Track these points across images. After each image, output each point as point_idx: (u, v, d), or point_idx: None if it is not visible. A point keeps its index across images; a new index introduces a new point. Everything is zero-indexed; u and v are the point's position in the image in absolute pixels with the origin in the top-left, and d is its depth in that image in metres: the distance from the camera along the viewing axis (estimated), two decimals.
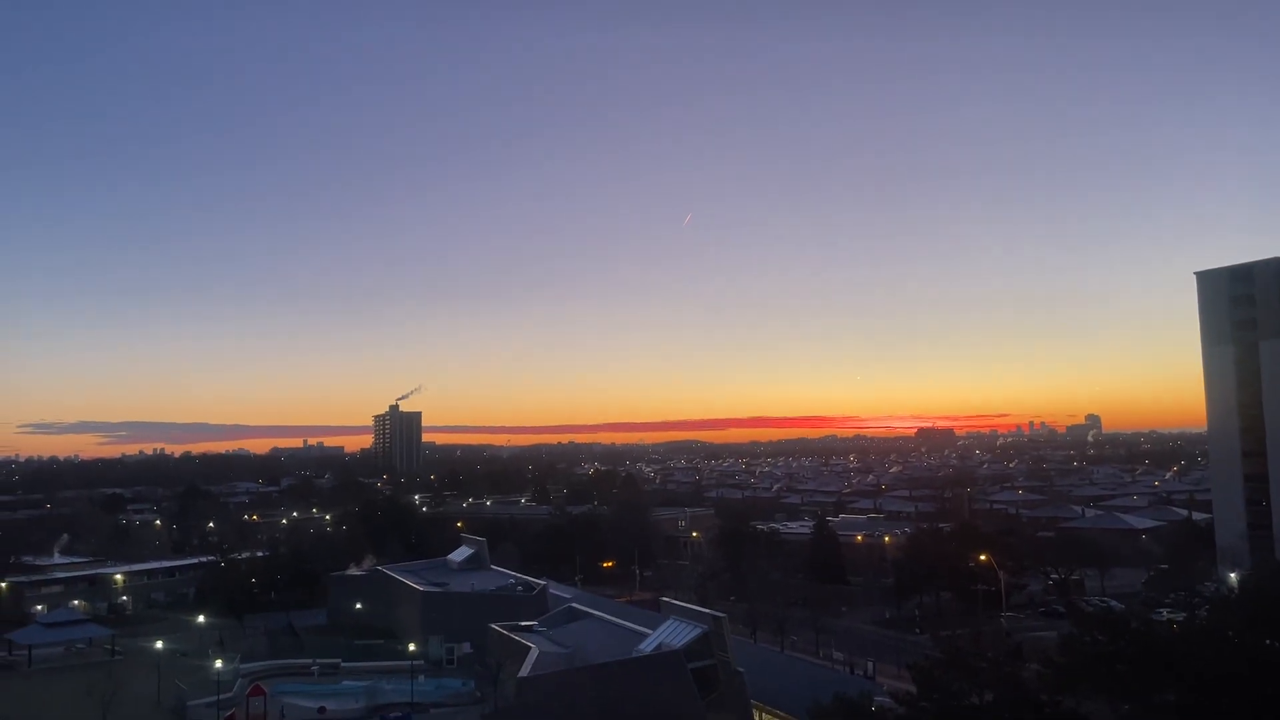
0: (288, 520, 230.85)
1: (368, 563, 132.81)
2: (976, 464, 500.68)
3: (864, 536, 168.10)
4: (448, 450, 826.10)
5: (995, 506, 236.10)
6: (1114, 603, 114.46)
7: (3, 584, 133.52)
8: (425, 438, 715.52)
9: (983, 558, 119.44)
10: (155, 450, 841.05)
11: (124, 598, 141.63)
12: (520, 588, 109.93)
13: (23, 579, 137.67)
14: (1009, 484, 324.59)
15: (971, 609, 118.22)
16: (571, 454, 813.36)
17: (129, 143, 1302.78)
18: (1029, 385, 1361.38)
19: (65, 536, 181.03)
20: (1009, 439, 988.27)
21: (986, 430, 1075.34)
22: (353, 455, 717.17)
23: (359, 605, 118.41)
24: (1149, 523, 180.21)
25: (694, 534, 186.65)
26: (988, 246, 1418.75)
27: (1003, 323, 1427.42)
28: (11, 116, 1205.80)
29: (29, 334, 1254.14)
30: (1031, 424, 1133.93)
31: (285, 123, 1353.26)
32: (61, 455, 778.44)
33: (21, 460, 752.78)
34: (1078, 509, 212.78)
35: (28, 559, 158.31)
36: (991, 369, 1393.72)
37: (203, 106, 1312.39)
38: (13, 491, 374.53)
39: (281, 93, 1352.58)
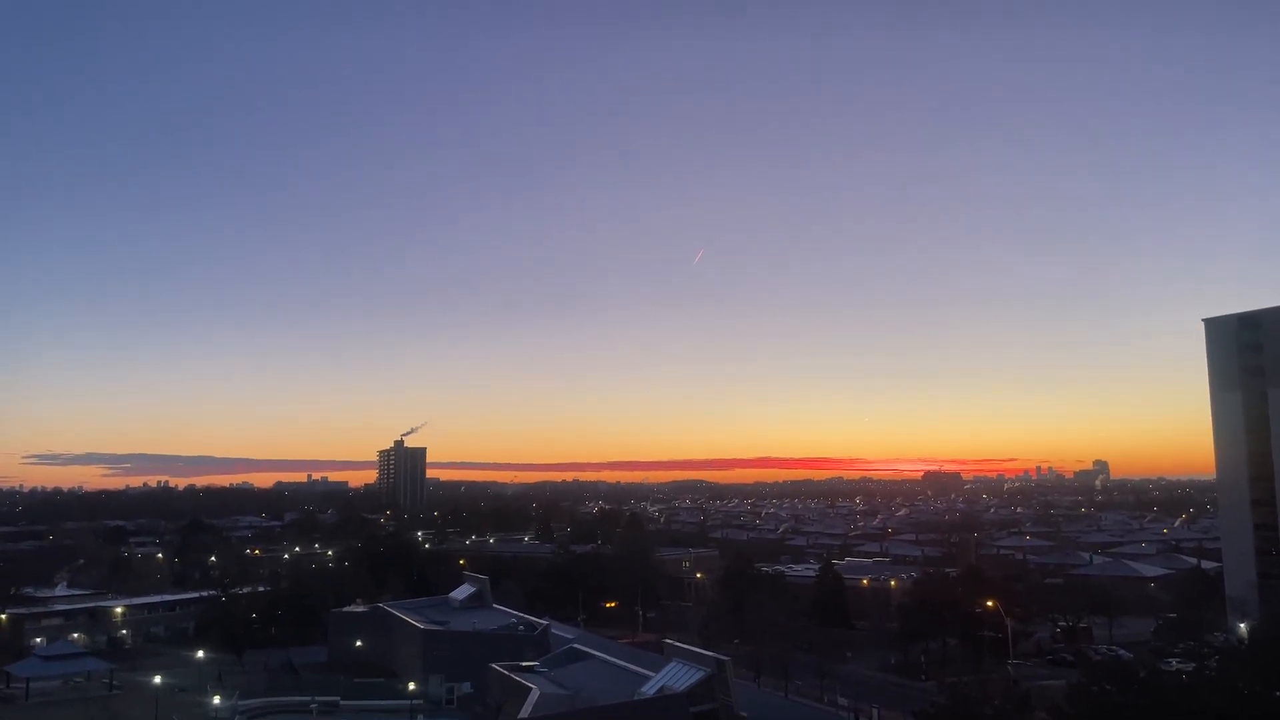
0: (290, 555, 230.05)
1: (369, 600, 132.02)
2: (983, 508, 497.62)
3: (870, 580, 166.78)
4: (452, 487, 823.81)
5: (1002, 552, 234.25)
6: (1122, 651, 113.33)
7: (2, 616, 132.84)
8: (430, 474, 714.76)
9: (990, 604, 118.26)
10: (159, 483, 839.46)
11: (123, 631, 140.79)
12: (522, 627, 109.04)
13: (22, 611, 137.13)
14: (1016, 529, 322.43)
15: (978, 656, 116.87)
16: (576, 492, 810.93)
17: (139, 177, 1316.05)
18: (1036, 430, 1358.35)
19: (66, 571, 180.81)
20: (1016, 483, 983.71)
21: (993, 474, 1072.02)
22: (357, 490, 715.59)
23: (359, 643, 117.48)
24: (1158, 570, 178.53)
25: (698, 575, 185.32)
26: (996, 290, 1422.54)
27: (1011, 367, 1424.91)
28: (19, 149, 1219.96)
29: (36, 365, 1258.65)
30: (1039, 469, 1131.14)
31: (292, 160, 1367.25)
32: (66, 486, 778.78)
33: (26, 491, 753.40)
34: (1086, 555, 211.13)
35: (29, 590, 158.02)
36: (999, 413, 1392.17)
37: (213, 144, 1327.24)
38: (16, 522, 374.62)
39: (289, 128, 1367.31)
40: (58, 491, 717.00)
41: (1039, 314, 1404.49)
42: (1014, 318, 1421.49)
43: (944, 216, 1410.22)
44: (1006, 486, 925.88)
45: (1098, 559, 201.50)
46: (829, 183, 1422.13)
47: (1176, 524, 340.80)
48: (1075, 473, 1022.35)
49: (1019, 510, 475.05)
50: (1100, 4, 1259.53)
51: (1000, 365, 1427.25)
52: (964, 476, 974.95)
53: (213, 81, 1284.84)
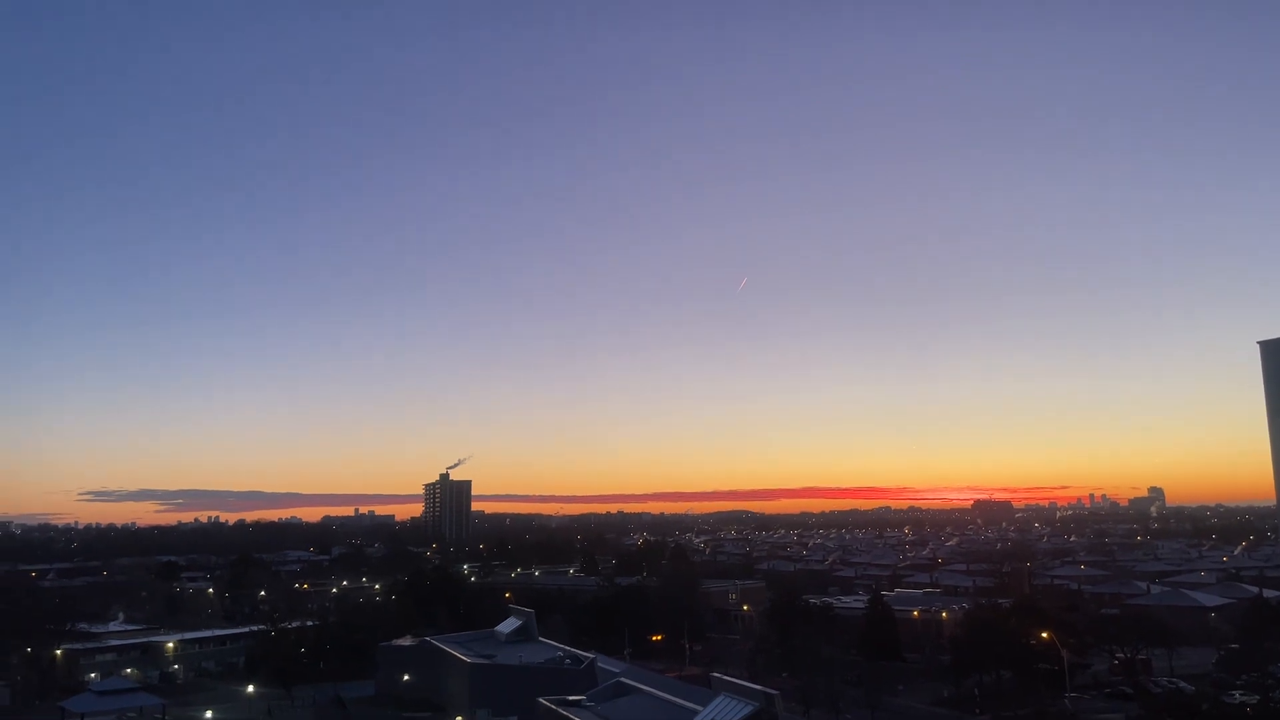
0: (338, 589, 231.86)
1: (416, 633, 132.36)
2: (1035, 537, 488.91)
3: (920, 611, 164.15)
4: (497, 519, 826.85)
5: (1056, 582, 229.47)
6: (1183, 684, 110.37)
7: (58, 651, 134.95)
8: (475, 506, 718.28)
9: (1044, 635, 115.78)
10: (210, 518, 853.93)
11: (175, 666, 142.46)
12: (568, 660, 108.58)
13: (77, 646, 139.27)
14: (1070, 558, 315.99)
15: (1033, 689, 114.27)
16: (620, 524, 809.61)
17: (187, 220, 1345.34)
18: (1089, 456, 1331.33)
19: (120, 608, 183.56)
20: (1069, 511, 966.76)
21: (1045, 502, 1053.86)
22: (403, 524, 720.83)
23: (407, 676, 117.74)
24: (1218, 600, 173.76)
25: (745, 607, 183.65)
26: (1045, 315, 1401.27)
27: (1062, 392, 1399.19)
28: (65, 185, 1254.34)
29: (91, 404, 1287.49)
30: (1092, 496, 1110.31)
31: (335, 197, 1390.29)
32: (120, 522, 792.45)
33: (81, 527, 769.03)
34: (1143, 585, 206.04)
35: (83, 626, 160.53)
36: (1050, 440, 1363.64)
37: (262, 187, 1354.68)
38: (71, 558, 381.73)
39: (342, 162, 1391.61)
40: (111, 527, 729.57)
41: (1090, 338, 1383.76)
42: (1064, 343, 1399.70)
43: (991, 240, 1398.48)
44: (1059, 515, 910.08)
45: (1155, 588, 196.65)
46: (875, 210, 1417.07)
47: (1236, 551, 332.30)
48: (1130, 500, 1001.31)
49: (1072, 539, 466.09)
50: (1157, 16, 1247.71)
51: (1051, 391, 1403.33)
52: (1015, 505, 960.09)
53: (253, 114, 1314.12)
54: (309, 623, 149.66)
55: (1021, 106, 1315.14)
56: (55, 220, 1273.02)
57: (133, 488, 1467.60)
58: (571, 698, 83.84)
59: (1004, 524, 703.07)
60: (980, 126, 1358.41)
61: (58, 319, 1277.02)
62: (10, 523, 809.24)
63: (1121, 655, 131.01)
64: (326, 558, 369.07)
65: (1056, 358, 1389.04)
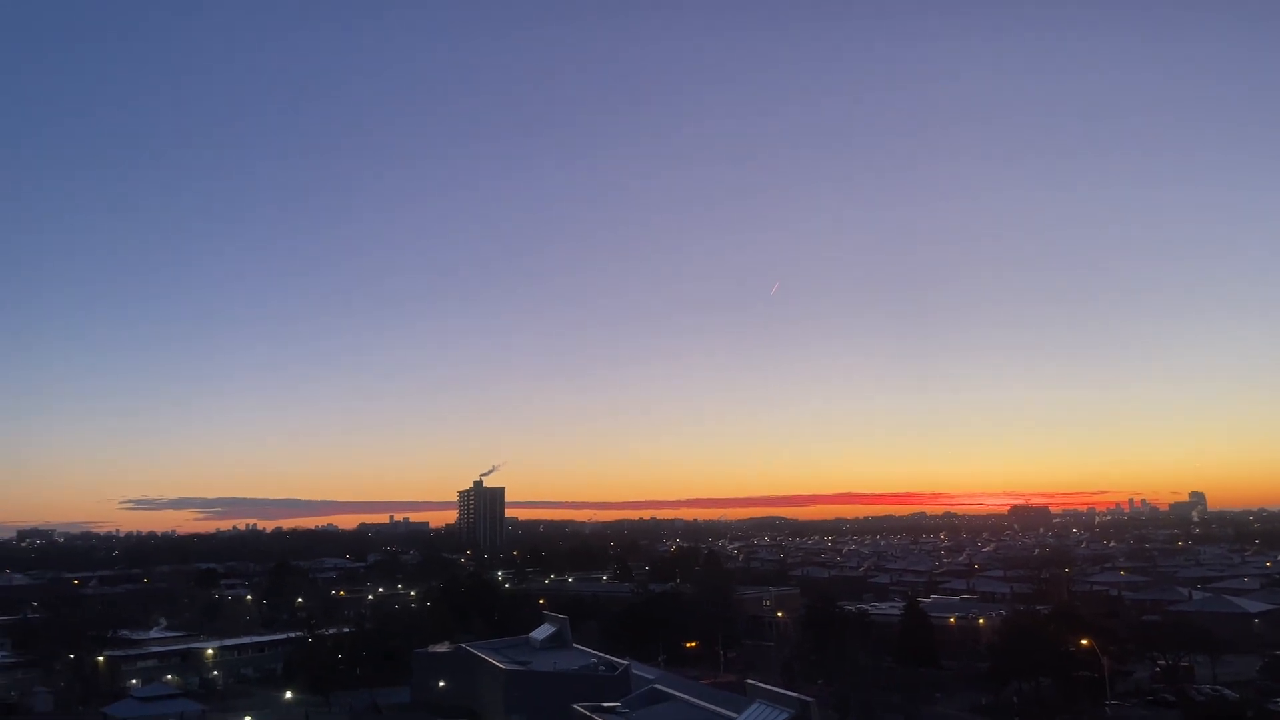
0: (374, 596, 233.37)
1: (451, 640, 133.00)
2: (1074, 543, 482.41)
3: (957, 618, 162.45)
4: (530, 526, 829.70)
5: (1095, 588, 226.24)
6: (1227, 691, 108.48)
7: (101, 658, 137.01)
8: (508, 513, 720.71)
9: (1084, 642, 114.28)
10: (248, 525, 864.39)
11: (215, 672, 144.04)
12: (603, 668, 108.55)
13: (119, 653, 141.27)
14: (1109, 564, 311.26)
15: (1073, 697, 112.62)
16: (653, 530, 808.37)
17: (221, 228, 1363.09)
18: (1128, 461, 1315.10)
19: (161, 615, 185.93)
20: (1107, 516, 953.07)
21: (1084, 507, 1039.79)
22: (438, 531, 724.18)
23: (442, 683, 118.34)
24: (1262, 606, 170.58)
25: (779, 614, 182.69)
26: (1085, 317, 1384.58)
27: (1101, 396, 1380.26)
28: (104, 198, 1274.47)
29: (131, 414, 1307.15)
30: (1131, 501, 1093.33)
31: (365, 208, 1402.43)
32: (159, 530, 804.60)
33: (122, 535, 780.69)
34: (1184, 591, 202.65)
35: (125, 633, 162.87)
36: (1088, 444, 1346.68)
37: (300, 193, 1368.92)
38: (113, 566, 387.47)
39: (364, 172, 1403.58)
40: (152, 535, 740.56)
41: (1129, 341, 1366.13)
42: (1103, 346, 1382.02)
43: (1029, 243, 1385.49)
44: (1098, 520, 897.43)
45: (1197, 594, 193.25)
46: (910, 214, 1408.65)
47: None
48: (1170, 505, 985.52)
49: (1111, 544, 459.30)
50: (1202, 20, 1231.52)
51: (1089, 394, 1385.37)
52: (1052, 510, 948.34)
53: (299, 122, 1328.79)
54: (345, 629, 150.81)
55: (1064, 103, 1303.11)
56: (97, 236, 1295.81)
57: (172, 496, 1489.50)
58: (606, 704, 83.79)
59: (1041, 529, 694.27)
60: (1019, 128, 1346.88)
61: (100, 333, 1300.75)
62: (53, 531, 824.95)
63: (1163, 662, 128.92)
64: (362, 565, 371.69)
65: (1095, 361, 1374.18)
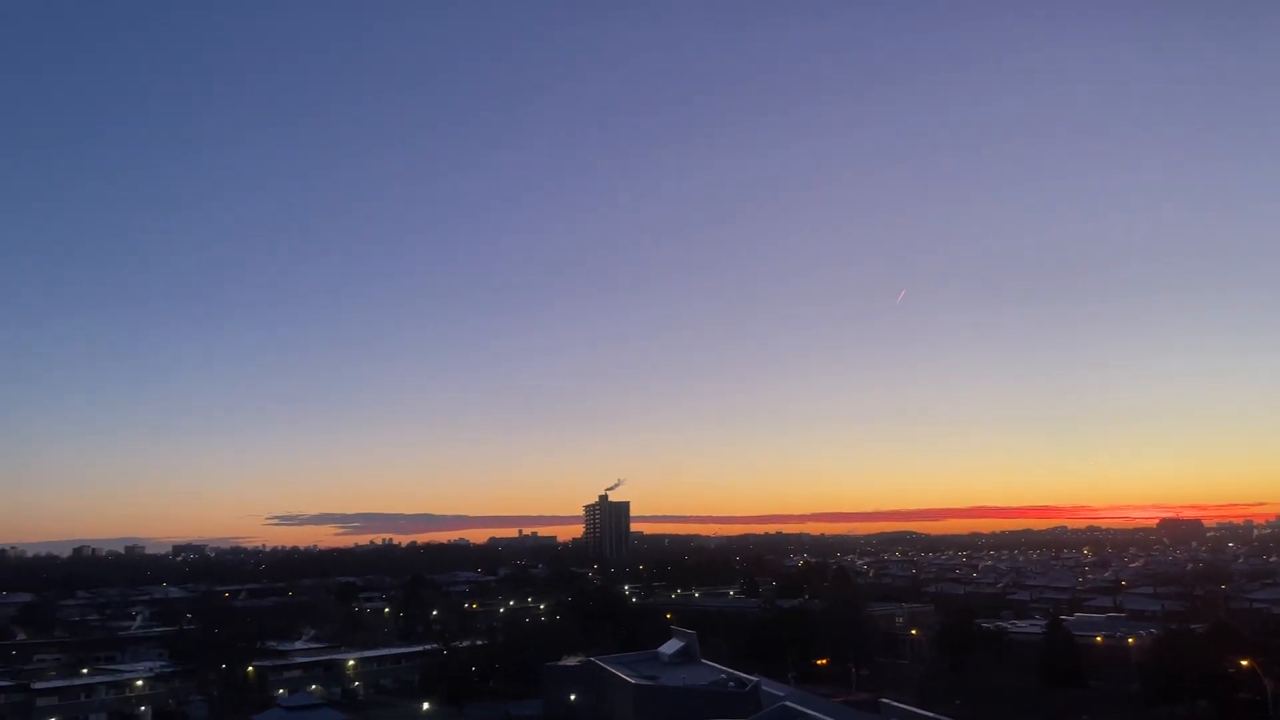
0: (505, 609, 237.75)
1: (580, 653, 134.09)
2: (1230, 558, 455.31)
3: (1104, 637, 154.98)
4: (655, 540, 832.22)
5: (1255, 605, 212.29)
6: None
7: (250, 668, 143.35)
8: (633, 527, 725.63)
9: (1245, 662, 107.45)
10: (384, 540, 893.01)
11: (356, 683, 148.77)
12: (732, 684, 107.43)
13: (267, 663, 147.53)
14: (1270, 580, 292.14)
15: (1233, 719, 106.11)
16: (779, 544, 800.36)
17: (360, 269, 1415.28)
18: None
19: (307, 627, 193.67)
20: (1267, 530, 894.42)
21: (1240, 520, 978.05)
22: (565, 545, 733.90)
23: (573, 697, 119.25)
24: None
25: (913, 631, 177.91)
26: (1239, 312, 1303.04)
27: (1260, 398, 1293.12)
28: (272, 214, 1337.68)
29: (277, 436, 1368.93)
30: None
31: (506, 232, 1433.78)
32: (302, 545, 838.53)
33: (268, 550, 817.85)
34: None
35: (272, 644, 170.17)
36: (1245, 452, 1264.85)
37: (416, 209, 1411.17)
38: (259, 579, 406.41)
39: (490, 180, 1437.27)
40: (295, 550, 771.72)
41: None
42: (1259, 344, 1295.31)
43: (1177, 229, 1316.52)
44: (1256, 533, 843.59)
45: None
46: (1043, 205, 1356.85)
47: None
48: None
49: (1272, 560, 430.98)
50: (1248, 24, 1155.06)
51: (1246, 397, 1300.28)
52: (1205, 523, 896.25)
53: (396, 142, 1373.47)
54: (478, 642, 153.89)
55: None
56: (253, 258, 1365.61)
57: (314, 512, 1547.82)
58: None
59: (1194, 544, 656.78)
60: (1158, 120, 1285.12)
61: (249, 358, 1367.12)
62: (205, 546, 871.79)
63: None
64: (493, 578, 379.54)
65: (1252, 361, 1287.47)
